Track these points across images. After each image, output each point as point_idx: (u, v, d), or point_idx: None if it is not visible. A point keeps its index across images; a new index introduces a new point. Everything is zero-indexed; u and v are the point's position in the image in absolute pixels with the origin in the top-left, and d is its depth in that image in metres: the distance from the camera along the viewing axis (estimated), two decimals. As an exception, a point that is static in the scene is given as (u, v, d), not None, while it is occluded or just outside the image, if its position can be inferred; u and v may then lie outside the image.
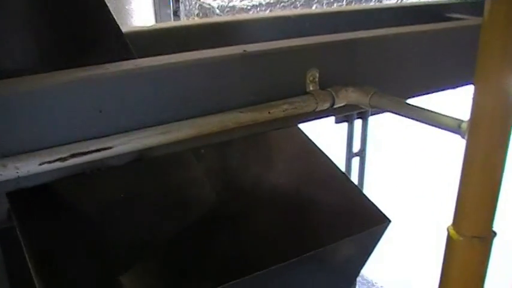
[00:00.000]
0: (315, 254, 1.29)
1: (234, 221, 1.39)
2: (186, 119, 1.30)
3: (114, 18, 1.33)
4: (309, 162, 1.63)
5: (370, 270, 3.77)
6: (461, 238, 1.05)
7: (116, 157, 1.26)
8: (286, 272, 1.28)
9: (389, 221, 1.42)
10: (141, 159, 1.31)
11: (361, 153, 2.30)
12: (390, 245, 2.03)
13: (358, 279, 2.91)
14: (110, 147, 1.21)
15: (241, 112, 1.36)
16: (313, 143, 1.64)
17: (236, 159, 1.55)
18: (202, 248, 1.27)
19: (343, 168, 2.32)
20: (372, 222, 1.42)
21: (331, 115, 1.59)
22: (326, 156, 1.62)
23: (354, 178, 2.44)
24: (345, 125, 2.14)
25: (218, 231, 1.34)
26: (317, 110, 1.47)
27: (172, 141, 1.29)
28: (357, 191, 1.56)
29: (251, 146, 1.56)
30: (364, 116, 2.14)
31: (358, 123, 2.17)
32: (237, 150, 1.54)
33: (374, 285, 3.91)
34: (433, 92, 1.86)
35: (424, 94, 1.82)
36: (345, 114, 1.92)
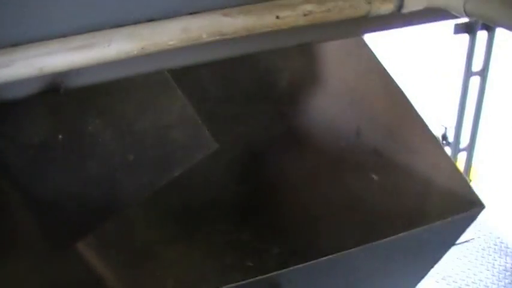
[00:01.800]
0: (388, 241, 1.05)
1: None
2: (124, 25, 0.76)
3: None
4: (375, 93, 1.16)
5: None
6: None
7: (9, 87, 0.76)
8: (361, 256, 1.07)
9: (484, 206, 1.09)
10: (57, 89, 0.80)
11: (483, 73, 2.04)
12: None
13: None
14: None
15: (225, 15, 0.79)
16: (378, 61, 1.14)
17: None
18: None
19: (458, 89, 2.14)
20: (465, 206, 1.09)
21: (400, 26, 0.97)
22: (398, 87, 1.11)
23: (471, 101, 2.27)
24: (466, 36, 1.84)
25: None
26: (372, 14, 0.87)
27: (100, 61, 0.76)
28: (451, 165, 1.22)
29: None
30: (490, 27, 1.84)
31: (482, 35, 1.87)
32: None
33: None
34: None
35: None
36: (466, 23, 1.65)
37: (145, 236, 1.06)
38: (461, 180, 1.12)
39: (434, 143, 1.17)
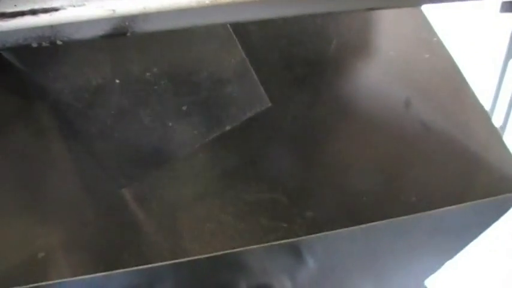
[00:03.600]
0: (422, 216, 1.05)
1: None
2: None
3: None
4: (441, 80, 1.16)
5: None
6: None
7: (77, 26, 0.76)
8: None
9: None
10: (123, 33, 0.79)
11: None
12: None
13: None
14: (56, 9, 0.71)
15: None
16: (433, 31, 1.13)
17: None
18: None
19: (498, 72, 1.98)
20: (503, 188, 1.08)
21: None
22: (454, 62, 1.10)
23: (508, 85, 2.12)
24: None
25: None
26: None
27: (173, 8, 0.75)
28: (501, 145, 1.19)
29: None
30: None
31: None
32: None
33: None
34: None
35: None
36: None
37: (184, 190, 1.07)
38: (509, 160, 1.11)
39: (486, 121, 1.16)
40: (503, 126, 2.76)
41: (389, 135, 1.17)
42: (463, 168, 1.10)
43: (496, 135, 1.14)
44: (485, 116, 1.18)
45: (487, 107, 2.53)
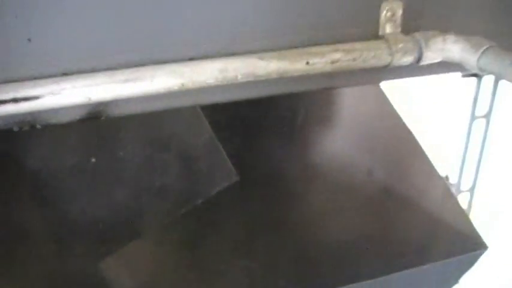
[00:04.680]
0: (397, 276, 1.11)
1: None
2: (167, 63, 0.83)
3: None
4: (398, 148, 1.23)
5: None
6: None
7: (55, 112, 0.82)
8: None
9: (486, 247, 1.16)
10: (97, 117, 0.86)
11: (487, 116, 2.02)
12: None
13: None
14: (36, 97, 0.78)
15: (260, 59, 0.85)
16: (391, 106, 1.21)
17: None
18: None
19: (464, 132, 2.17)
20: (467, 247, 1.16)
21: (416, 75, 1.04)
22: (410, 133, 1.18)
23: (475, 144, 2.24)
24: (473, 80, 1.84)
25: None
26: (392, 65, 0.93)
27: (142, 94, 0.82)
28: (457, 206, 1.29)
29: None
30: None
31: (489, 79, 1.86)
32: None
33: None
34: None
35: None
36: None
37: (159, 261, 1.11)
38: (466, 221, 1.18)
39: (441, 185, 1.23)
40: (472, 188, 2.83)
41: (354, 202, 1.23)
42: (423, 230, 1.17)
43: (451, 198, 1.22)
44: (441, 182, 1.26)
45: (455, 169, 2.62)
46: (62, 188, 1.00)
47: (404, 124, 1.27)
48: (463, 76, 2.09)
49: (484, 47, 0.90)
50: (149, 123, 1.03)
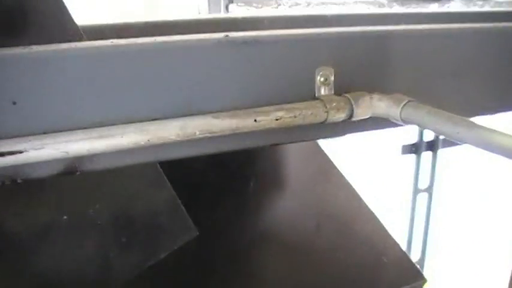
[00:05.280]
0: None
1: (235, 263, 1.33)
2: (135, 122, 0.96)
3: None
4: (331, 193, 1.37)
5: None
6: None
7: (35, 167, 0.93)
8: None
9: (425, 280, 1.27)
10: (73, 172, 0.97)
11: (429, 190, 2.28)
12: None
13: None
14: (20, 152, 0.89)
15: (215, 117, 1.00)
16: (333, 165, 1.35)
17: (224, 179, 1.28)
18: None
19: (408, 205, 2.30)
20: (407, 279, 1.27)
21: (352, 131, 1.20)
22: (351, 186, 1.33)
23: (420, 216, 2.39)
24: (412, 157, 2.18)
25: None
26: (328, 121, 1.09)
27: (114, 149, 0.94)
28: (389, 239, 1.42)
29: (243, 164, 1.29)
30: (434, 148, 2.15)
31: (427, 155, 2.19)
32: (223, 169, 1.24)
33: None
34: (503, 111, 1.42)
35: (489, 114, 1.39)
36: (412, 144, 1.82)
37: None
38: (406, 260, 1.31)
39: (383, 232, 1.37)
40: (422, 259, 2.96)
41: (305, 255, 1.35)
42: (367, 276, 1.29)
43: (391, 241, 1.35)
44: (384, 232, 1.39)
45: (403, 243, 2.77)
46: (33, 245, 1.08)
47: (348, 183, 1.42)
48: (403, 153, 2.29)
49: (404, 102, 1.07)
50: (116, 182, 1.13)
